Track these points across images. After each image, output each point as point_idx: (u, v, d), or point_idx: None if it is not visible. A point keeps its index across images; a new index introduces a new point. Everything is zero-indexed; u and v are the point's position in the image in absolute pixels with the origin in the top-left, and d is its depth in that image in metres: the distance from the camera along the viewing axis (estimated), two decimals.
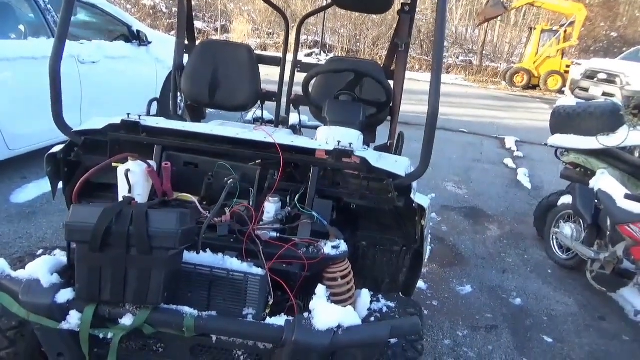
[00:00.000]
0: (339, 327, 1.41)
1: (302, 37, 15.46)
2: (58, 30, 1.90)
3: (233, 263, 1.59)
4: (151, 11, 17.05)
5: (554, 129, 4.28)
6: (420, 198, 1.92)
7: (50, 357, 1.52)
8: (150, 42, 5.61)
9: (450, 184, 5.58)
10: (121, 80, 5.24)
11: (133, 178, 1.80)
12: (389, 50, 3.28)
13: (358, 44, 18.05)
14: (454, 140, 7.65)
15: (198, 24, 15.90)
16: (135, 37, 5.47)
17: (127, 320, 1.42)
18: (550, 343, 2.96)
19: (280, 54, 3.40)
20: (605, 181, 3.45)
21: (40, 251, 1.89)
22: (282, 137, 1.96)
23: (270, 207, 1.83)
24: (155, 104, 3.00)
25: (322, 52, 17.09)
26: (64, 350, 1.49)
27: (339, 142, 1.90)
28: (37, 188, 4.15)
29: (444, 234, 4.24)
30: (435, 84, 1.78)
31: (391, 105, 2.83)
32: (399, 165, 1.95)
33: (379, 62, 3.33)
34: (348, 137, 2.00)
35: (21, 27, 4.40)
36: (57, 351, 1.49)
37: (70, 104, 4.49)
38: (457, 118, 9.06)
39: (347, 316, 1.44)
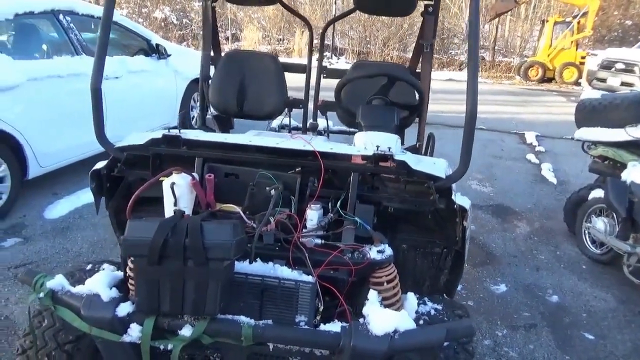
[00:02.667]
0: (395, 331, 1.42)
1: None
2: (97, 49, 1.95)
3: (284, 271, 1.61)
4: (162, 23, 17.26)
5: (580, 122, 4.23)
6: (461, 199, 1.92)
7: None
8: (169, 55, 5.70)
9: (474, 182, 5.55)
10: (143, 94, 5.33)
11: (178, 191, 1.82)
12: (414, 51, 3.28)
13: (368, 46, 18.03)
14: (475, 138, 7.56)
15: None
16: (154, 51, 5.56)
17: (186, 332, 1.45)
18: (591, 340, 2.92)
19: (294, 60, 3.44)
20: (639, 173, 3.40)
21: (89, 265, 1.93)
22: (320, 144, 1.98)
23: (313, 214, 1.85)
24: (180, 115, 3.04)
25: (332, 55, 17.12)
26: None
27: (377, 146, 1.91)
28: (69, 203, 4.23)
29: (473, 233, 4.21)
30: (473, 84, 1.78)
31: None
32: (437, 167, 1.96)
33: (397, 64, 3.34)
34: (386, 141, 2.00)
35: (44, 47, 4.51)
36: None
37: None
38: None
39: (402, 320, 1.45)
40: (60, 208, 4.18)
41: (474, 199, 4.99)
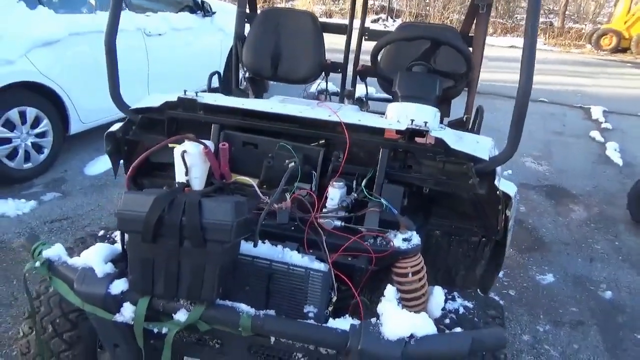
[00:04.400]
0: (411, 336, 1.24)
1: (369, 2, 14.96)
2: (112, 4, 1.81)
3: (294, 257, 1.46)
4: None
5: None
6: (505, 185, 1.68)
7: (106, 347, 1.49)
8: (214, 13, 5.54)
9: (529, 160, 5.13)
10: (187, 53, 5.22)
11: (190, 160, 1.69)
12: (467, 13, 2.94)
13: (428, 8, 17.13)
14: (533, 111, 6.96)
15: None
16: (199, 8, 5.41)
17: (181, 316, 1.33)
18: None
19: (345, 21, 3.17)
20: None
21: (101, 232, 1.86)
22: (348, 114, 1.77)
23: (335, 193, 1.67)
24: (216, 77, 2.90)
25: (388, 17, 16.41)
26: (120, 342, 1.44)
27: (412, 120, 1.68)
28: (109, 160, 4.25)
29: (522, 215, 3.90)
30: (529, 55, 1.51)
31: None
32: (481, 146, 1.71)
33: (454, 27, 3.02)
34: (423, 114, 1.77)
35: (91, 1, 4.45)
36: (112, 342, 1.45)
37: (137, 77, 4.53)
38: (535, 86, 8.14)
39: (420, 324, 1.26)
40: (100, 165, 4.22)
41: (526, 178, 4.65)
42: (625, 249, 3.59)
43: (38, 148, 3.86)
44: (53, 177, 3.94)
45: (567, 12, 17.49)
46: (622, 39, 14.32)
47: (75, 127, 4.14)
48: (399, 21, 16.27)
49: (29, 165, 3.81)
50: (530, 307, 2.83)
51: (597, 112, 7.26)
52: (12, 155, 3.68)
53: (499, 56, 9.79)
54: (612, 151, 5.61)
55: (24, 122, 3.69)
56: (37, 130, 3.80)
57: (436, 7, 16.85)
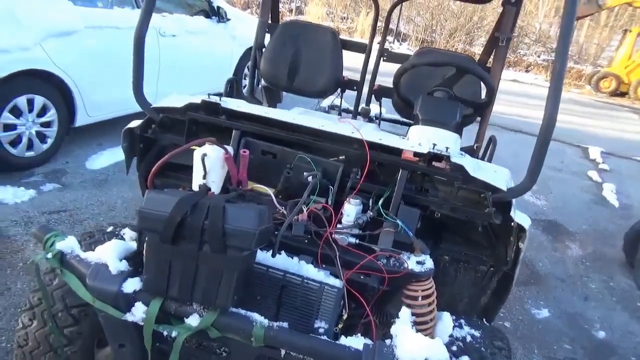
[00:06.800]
0: None
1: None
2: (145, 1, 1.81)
3: (309, 270, 1.45)
4: None
5: None
6: (520, 217, 1.69)
7: (111, 345, 1.45)
8: (229, 19, 5.58)
9: (528, 193, 5.16)
10: (198, 56, 5.24)
11: (209, 163, 1.68)
12: (486, 44, 2.99)
13: (434, 35, 17.37)
14: (533, 145, 7.12)
15: None
16: (215, 13, 5.45)
17: (193, 321, 1.31)
18: None
19: (359, 40, 3.20)
20: None
21: (110, 228, 1.84)
22: (369, 133, 1.78)
23: (351, 210, 1.67)
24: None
25: (395, 40, 16.60)
26: (126, 342, 1.41)
27: (434, 144, 1.70)
28: (112, 156, 4.23)
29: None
30: (554, 91, 1.53)
31: None
32: (499, 176, 1.72)
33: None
34: (445, 139, 1.78)
35: None
36: (119, 342, 1.42)
37: (147, 76, 4.50)
38: (536, 121, 8.44)
39: (435, 349, 1.26)
40: (102, 160, 4.19)
41: (525, 211, 4.59)
42: (619, 290, 3.61)
43: (42, 137, 3.83)
44: (54, 168, 3.90)
45: (569, 53, 17.80)
46: (621, 83, 14.59)
47: (81, 120, 4.10)
48: (405, 45, 16.48)
49: (30, 153, 3.76)
50: (525, 340, 2.82)
51: (595, 152, 7.35)
52: (15, 142, 3.64)
53: (502, 89, 9.89)
54: (609, 192, 5.67)
55: (30, 110, 3.65)
56: (43, 120, 3.77)
57: (442, 34, 17.10)
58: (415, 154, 1.72)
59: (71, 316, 1.61)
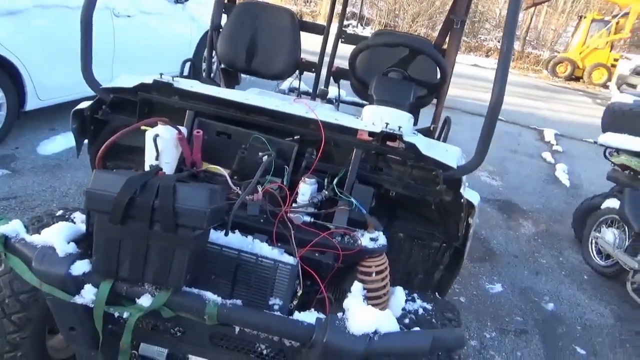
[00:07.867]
0: (375, 332, 1.27)
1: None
2: None
3: (263, 248, 1.46)
4: None
5: (606, 126, 3.99)
6: (470, 193, 1.74)
7: (61, 330, 1.43)
8: (186, 0, 5.43)
9: (484, 174, 5.34)
10: (155, 37, 5.09)
11: (162, 144, 1.66)
12: (442, 27, 3.04)
13: (397, 19, 17.49)
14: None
15: None
16: None
17: (145, 301, 1.30)
18: (582, 355, 2.79)
19: (320, 22, 3.19)
20: None
21: (60, 211, 1.79)
22: (324, 113, 1.79)
23: (306, 189, 1.69)
24: (188, 65, 2.85)
25: (359, 24, 16.62)
26: (76, 325, 1.38)
27: (387, 124, 1.72)
28: (65, 141, 4.08)
29: (476, 227, 4.02)
30: (502, 71, 1.57)
31: None
32: (450, 155, 1.77)
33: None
34: (397, 119, 1.81)
35: None
36: (69, 325, 1.39)
37: (102, 58, 4.37)
38: None
39: (385, 321, 1.29)
40: (54, 145, 4.04)
41: (481, 192, 4.77)
42: (568, 264, 3.80)
43: None
44: (3, 154, 3.74)
45: (527, 38, 18.28)
46: (576, 67, 15.15)
47: (31, 104, 3.93)
48: (368, 28, 16.51)
49: None
50: (479, 314, 2.94)
51: (549, 134, 7.64)
52: None
53: (462, 73, 10.12)
54: (561, 172, 5.92)
55: None
56: None
57: (405, 19, 17.22)
58: (370, 134, 1.74)
59: (19, 302, 1.56)
